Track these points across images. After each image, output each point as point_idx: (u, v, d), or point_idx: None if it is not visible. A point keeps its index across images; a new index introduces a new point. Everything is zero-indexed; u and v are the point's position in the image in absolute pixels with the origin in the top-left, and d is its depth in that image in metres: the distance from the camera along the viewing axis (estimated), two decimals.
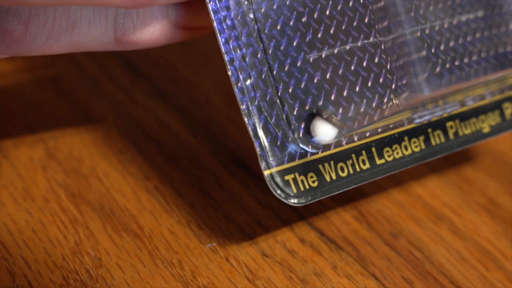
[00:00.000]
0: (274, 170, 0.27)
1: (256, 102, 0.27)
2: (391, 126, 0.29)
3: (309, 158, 0.27)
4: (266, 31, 0.27)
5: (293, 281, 0.29)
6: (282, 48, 0.27)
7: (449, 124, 0.31)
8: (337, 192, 0.28)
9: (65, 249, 0.29)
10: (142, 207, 0.31)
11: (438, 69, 0.27)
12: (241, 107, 0.27)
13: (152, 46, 0.29)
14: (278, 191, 0.27)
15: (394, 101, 0.27)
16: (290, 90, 0.27)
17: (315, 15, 0.27)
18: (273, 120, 0.27)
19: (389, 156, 0.29)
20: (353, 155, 0.28)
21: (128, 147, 0.34)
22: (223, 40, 0.26)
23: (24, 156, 0.32)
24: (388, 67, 0.28)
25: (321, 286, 0.29)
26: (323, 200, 0.31)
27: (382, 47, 0.28)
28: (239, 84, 0.27)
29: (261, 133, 0.27)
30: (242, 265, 0.30)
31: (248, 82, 0.27)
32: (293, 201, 0.27)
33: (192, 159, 0.33)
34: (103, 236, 0.30)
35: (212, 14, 0.26)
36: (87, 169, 0.32)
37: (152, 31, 0.28)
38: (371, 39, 0.28)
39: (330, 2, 0.27)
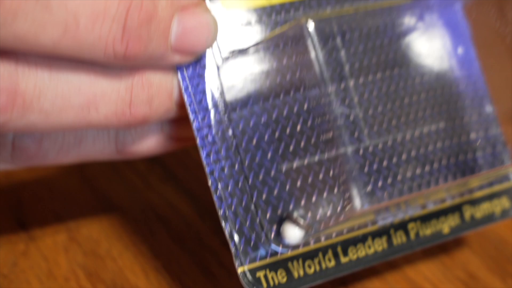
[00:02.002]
0: (246, 267, 0.30)
1: (232, 208, 0.30)
2: (355, 227, 0.32)
3: (279, 257, 0.30)
4: (243, 145, 0.30)
5: None
6: (257, 160, 0.31)
7: (410, 225, 0.33)
8: (304, 286, 0.31)
9: None
10: (150, 284, 0.35)
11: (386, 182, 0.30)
12: (219, 212, 0.30)
13: (150, 155, 0.32)
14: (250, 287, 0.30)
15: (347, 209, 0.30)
16: (263, 197, 0.30)
17: (287, 131, 0.31)
18: (247, 224, 0.30)
19: (353, 254, 0.32)
20: (320, 254, 0.31)
21: (141, 229, 0.38)
22: (204, 154, 0.30)
23: (49, 240, 0.37)
24: None
25: None
26: None
27: (345, 157, 0.31)
28: (217, 193, 0.30)
29: (236, 235, 0.30)
30: None
31: (225, 190, 0.30)
32: None
33: (197, 239, 0.37)
34: None
35: (195, 131, 0.30)
36: (104, 250, 0.36)
37: (149, 143, 0.32)
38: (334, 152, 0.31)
39: (301, 119, 0.31)
